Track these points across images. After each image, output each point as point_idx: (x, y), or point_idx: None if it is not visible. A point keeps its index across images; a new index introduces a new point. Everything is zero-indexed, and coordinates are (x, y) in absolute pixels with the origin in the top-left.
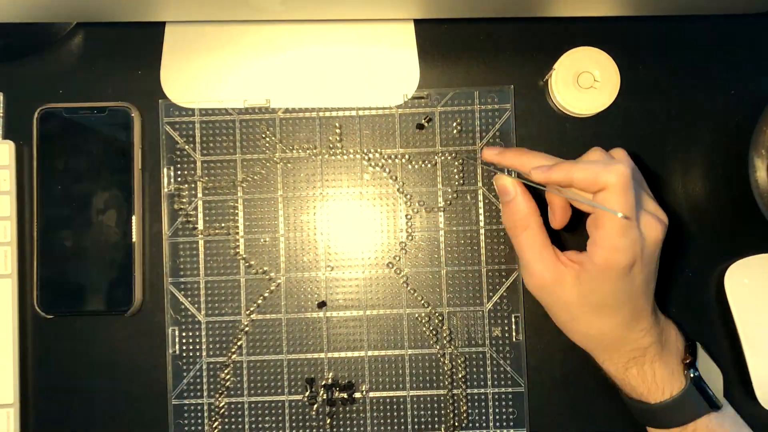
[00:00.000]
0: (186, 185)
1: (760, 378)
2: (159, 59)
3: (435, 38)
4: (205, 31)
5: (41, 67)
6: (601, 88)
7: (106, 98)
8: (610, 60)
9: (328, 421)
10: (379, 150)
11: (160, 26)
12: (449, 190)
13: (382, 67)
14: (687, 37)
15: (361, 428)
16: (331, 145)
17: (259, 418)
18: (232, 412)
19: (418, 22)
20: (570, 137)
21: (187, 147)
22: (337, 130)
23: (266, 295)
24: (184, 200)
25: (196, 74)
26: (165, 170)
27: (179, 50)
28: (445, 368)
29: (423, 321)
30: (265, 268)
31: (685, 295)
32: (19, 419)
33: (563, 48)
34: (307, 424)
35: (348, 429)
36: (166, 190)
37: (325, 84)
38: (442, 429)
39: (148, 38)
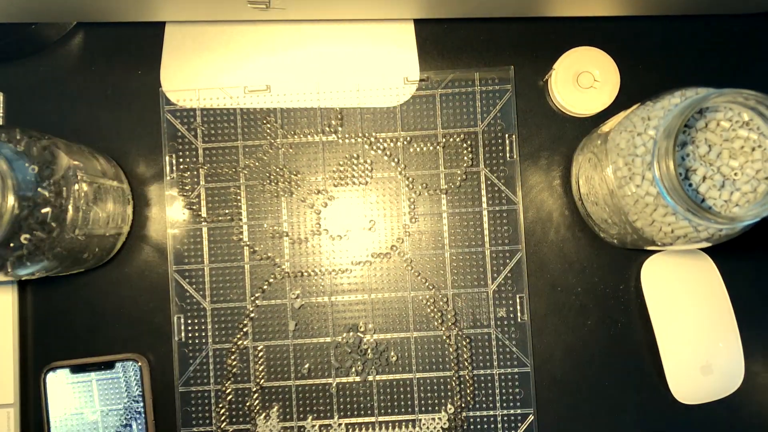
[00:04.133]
0: (188, 173)
1: (672, 371)
2: (159, 59)
3: (435, 38)
4: (204, 31)
5: (41, 67)
6: (601, 88)
7: (107, 99)
8: (610, 60)
9: (336, 405)
10: (380, 133)
11: (160, 26)
12: (457, 171)
13: (382, 67)
14: (687, 37)
15: (368, 411)
16: (332, 130)
17: (266, 404)
18: (239, 398)
19: (418, 22)
20: (570, 137)
21: (188, 134)
22: (339, 115)
23: (271, 280)
24: (186, 188)
25: (196, 74)
26: (167, 158)
27: (179, 50)
28: (451, 350)
29: (428, 303)
30: (269, 254)
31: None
32: (19, 419)
33: (563, 48)
34: (315, 408)
35: (355, 412)
36: (168, 178)
37: (326, 84)
38: (450, 410)
39: (148, 38)
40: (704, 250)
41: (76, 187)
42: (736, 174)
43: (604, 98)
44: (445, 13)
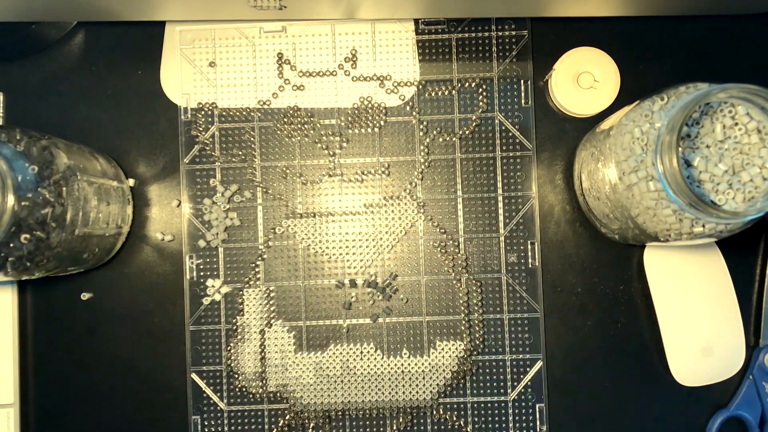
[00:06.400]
0: (202, 113)
1: (673, 354)
2: (159, 59)
3: (435, 38)
4: (205, 31)
5: (41, 67)
6: (601, 88)
7: (107, 99)
8: (610, 60)
9: (348, 347)
10: (394, 75)
11: (160, 26)
12: (472, 117)
13: (381, 67)
14: (687, 37)
15: (378, 349)
16: (345, 71)
17: (275, 344)
18: (248, 337)
19: (418, 22)
20: (570, 137)
21: (203, 71)
22: (351, 53)
23: (283, 221)
24: (200, 128)
25: (197, 74)
26: (182, 97)
27: (179, 50)
28: (461, 294)
29: (439, 247)
30: (282, 196)
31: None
32: (19, 419)
33: (563, 48)
34: (326, 348)
35: (365, 348)
36: (182, 118)
37: (328, 83)
38: (459, 354)
39: (148, 38)
40: None
41: (76, 187)
42: (739, 169)
43: (605, 98)
44: (445, 13)
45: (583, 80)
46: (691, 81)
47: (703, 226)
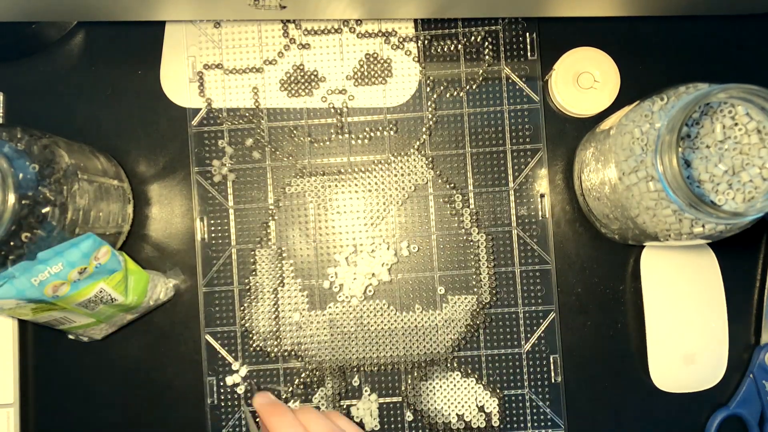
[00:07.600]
0: (209, 70)
1: (655, 358)
2: (159, 59)
3: (435, 38)
4: (205, 31)
5: (41, 67)
6: (601, 88)
7: (107, 98)
8: (610, 60)
9: (361, 304)
10: (399, 32)
11: (160, 26)
12: (478, 71)
13: (381, 68)
14: (687, 37)
15: (391, 305)
16: (350, 28)
17: (288, 303)
18: (261, 297)
19: (417, 22)
20: (570, 137)
21: (207, 33)
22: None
23: (293, 181)
24: (206, 89)
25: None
26: (188, 60)
27: (179, 50)
28: (472, 248)
29: (448, 203)
30: (290, 155)
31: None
32: (19, 419)
33: (563, 48)
34: (337, 310)
35: (378, 304)
36: (189, 74)
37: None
38: (472, 307)
39: (148, 38)
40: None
41: (77, 185)
42: (739, 169)
43: (605, 99)
44: (445, 13)
45: (583, 80)
46: (691, 81)
47: (703, 226)
